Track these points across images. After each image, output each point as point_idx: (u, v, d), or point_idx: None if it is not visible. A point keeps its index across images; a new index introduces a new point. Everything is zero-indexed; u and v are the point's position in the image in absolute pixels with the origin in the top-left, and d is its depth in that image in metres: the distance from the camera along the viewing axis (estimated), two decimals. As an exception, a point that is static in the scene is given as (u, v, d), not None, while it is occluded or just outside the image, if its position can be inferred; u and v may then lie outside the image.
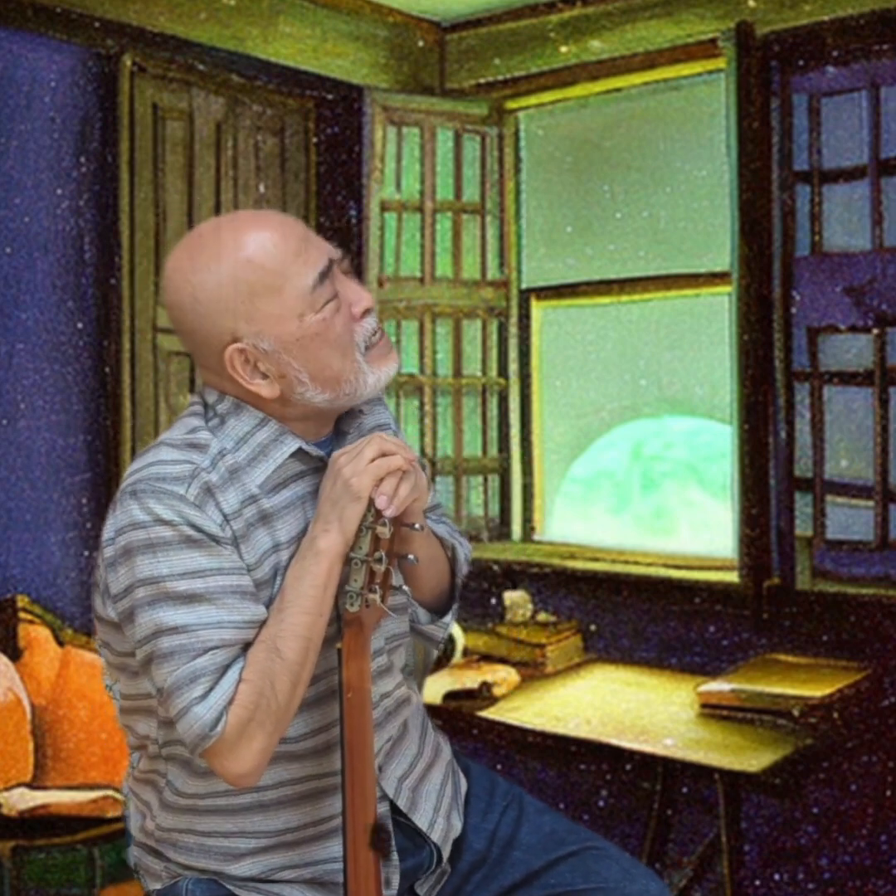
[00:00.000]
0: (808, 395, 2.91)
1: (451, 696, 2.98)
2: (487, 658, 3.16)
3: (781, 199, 2.93)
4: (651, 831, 2.84)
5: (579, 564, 3.26)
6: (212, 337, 1.51)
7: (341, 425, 1.64)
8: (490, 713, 2.91)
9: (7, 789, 2.68)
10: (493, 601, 3.27)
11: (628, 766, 2.86)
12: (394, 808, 1.61)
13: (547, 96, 3.39)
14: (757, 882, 2.79)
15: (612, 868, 1.68)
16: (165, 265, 1.56)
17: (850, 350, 2.86)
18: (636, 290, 3.27)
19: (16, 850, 2.61)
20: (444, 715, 2.96)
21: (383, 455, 1.50)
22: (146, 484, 1.47)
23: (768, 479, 2.95)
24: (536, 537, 3.47)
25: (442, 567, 1.70)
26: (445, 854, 1.67)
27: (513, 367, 3.49)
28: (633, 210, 3.23)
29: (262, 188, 3.30)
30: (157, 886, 1.61)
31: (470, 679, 3.04)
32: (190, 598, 1.45)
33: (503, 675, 3.05)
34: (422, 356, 3.48)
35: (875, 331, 2.81)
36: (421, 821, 1.64)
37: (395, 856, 1.58)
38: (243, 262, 1.50)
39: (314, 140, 3.39)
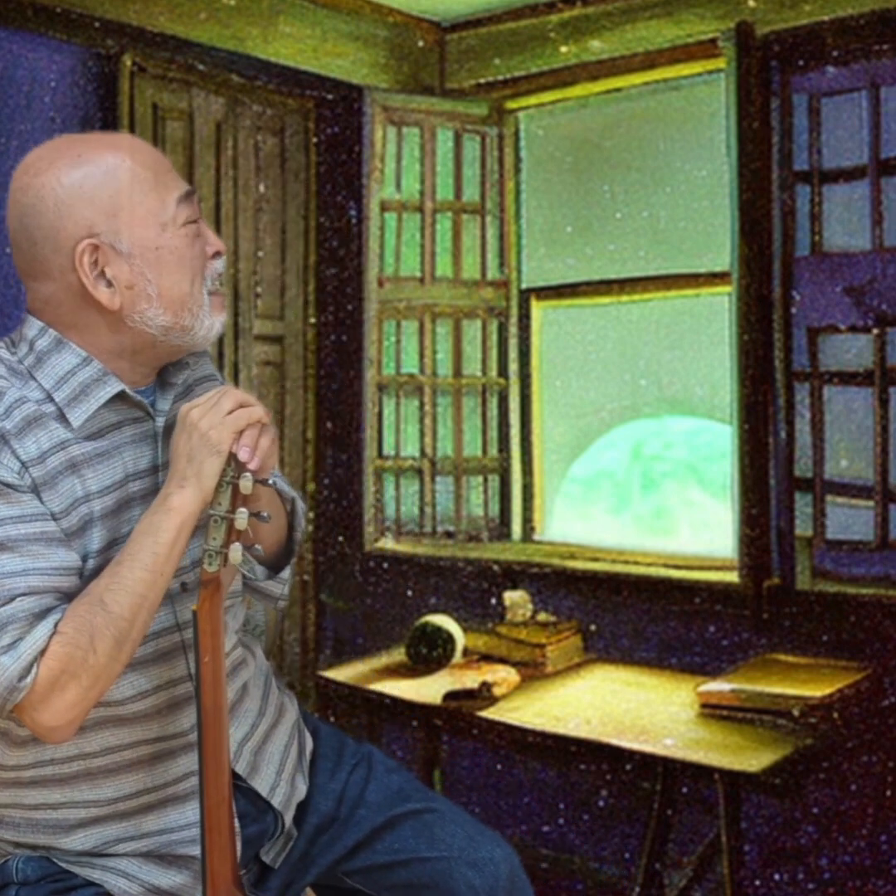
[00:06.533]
0: (808, 395, 2.91)
1: (451, 696, 2.98)
2: (487, 658, 3.15)
3: (781, 199, 2.93)
4: (651, 831, 2.84)
5: (579, 564, 3.26)
6: (64, 231, 1.45)
7: (166, 376, 1.57)
8: (490, 713, 2.91)
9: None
10: (493, 601, 3.27)
11: (628, 766, 2.86)
12: (234, 773, 1.55)
13: (547, 96, 3.39)
14: (757, 882, 2.78)
15: (458, 834, 1.65)
16: (18, 167, 1.50)
17: (850, 350, 2.85)
18: (636, 290, 3.26)
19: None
20: (444, 715, 2.97)
21: (242, 406, 1.45)
22: None
23: (768, 479, 2.95)
24: (536, 537, 3.47)
25: (282, 522, 1.65)
26: (287, 819, 1.62)
27: (513, 367, 3.49)
28: (633, 210, 3.23)
29: (262, 188, 3.30)
30: None
31: (470, 679, 3.04)
32: None
33: (503, 675, 3.05)
34: (422, 356, 3.48)
35: (875, 331, 2.81)
36: (262, 786, 1.59)
37: (235, 823, 1.52)
38: (116, 160, 1.47)
39: (314, 140, 3.39)
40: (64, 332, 1.50)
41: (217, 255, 1.54)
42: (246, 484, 1.43)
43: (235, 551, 1.43)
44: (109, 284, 1.46)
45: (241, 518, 1.43)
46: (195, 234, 1.51)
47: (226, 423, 1.43)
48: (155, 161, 1.51)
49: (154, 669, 1.52)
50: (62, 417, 1.47)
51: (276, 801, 1.61)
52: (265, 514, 1.47)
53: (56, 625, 1.40)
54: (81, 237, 1.45)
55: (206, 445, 1.43)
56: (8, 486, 1.41)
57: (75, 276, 1.46)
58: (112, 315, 1.48)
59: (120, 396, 1.50)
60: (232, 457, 1.44)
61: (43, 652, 1.38)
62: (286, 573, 1.67)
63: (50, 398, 1.47)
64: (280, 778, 1.62)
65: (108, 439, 1.50)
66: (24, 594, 1.39)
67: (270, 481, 1.49)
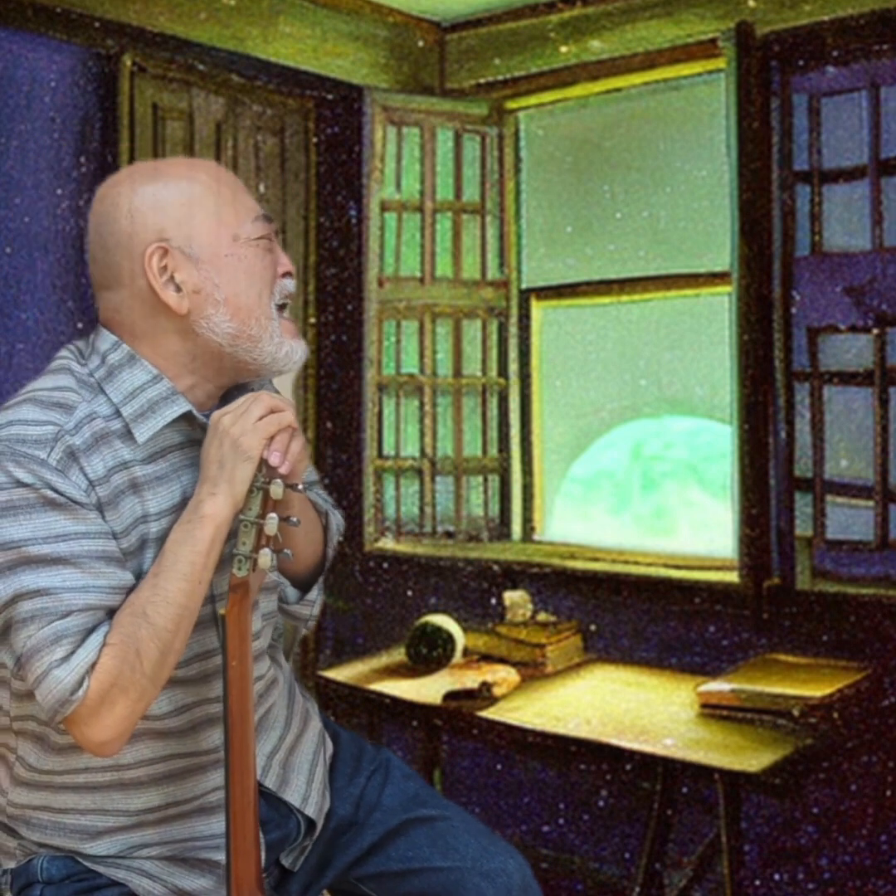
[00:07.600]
0: (808, 395, 2.91)
1: (451, 696, 2.98)
2: (487, 658, 3.15)
3: (781, 199, 2.93)
4: (651, 831, 2.84)
5: (579, 564, 3.26)
6: (135, 237, 1.48)
7: (230, 400, 1.57)
8: (490, 713, 2.91)
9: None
10: (493, 601, 3.27)
11: (628, 766, 2.86)
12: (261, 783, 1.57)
13: (547, 96, 3.39)
14: (757, 882, 2.78)
15: (471, 844, 1.66)
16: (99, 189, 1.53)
17: (850, 350, 2.85)
18: (636, 290, 3.26)
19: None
20: (444, 715, 2.97)
21: (272, 412, 1.46)
22: (4, 446, 1.42)
23: (768, 479, 2.95)
24: (536, 537, 3.47)
25: (317, 536, 1.66)
26: (319, 827, 1.63)
27: (513, 367, 3.49)
28: (633, 210, 3.23)
29: (262, 188, 3.30)
30: (11, 865, 1.57)
31: (470, 679, 3.04)
32: (53, 562, 1.40)
33: (503, 675, 3.05)
34: (422, 356, 3.48)
35: (875, 331, 2.81)
36: (293, 797, 1.60)
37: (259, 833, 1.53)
38: (193, 176, 1.52)
39: (314, 140, 3.39)
40: (135, 344, 1.52)
41: (287, 275, 1.55)
42: (276, 489, 1.44)
43: (264, 556, 1.44)
44: (178, 289, 1.48)
45: (271, 523, 1.44)
46: (266, 249, 1.53)
47: (257, 428, 1.44)
48: (234, 183, 1.55)
49: (191, 686, 1.53)
50: (127, 435, 1.48)
51: (310, 812, 1.62)
52: (294, 519, 1.48)
53: (105, 637, 1.41)
54: (152, 242, 1.48)
55: (237, 451, 1.44)
56: (76, 502, 1.42)
57: (145, 280, 1.48)
58: (180, 320, 1.49)
59: (185, 417, 1.51)
60: (263, 462, 1.45)
61: (93, 665, 1.40)
62: (314, 594, 1.68)
63: (118, 413, 1.48)
64: (311, 788, 1.63)
65: (168, 461, 1.51)
66: (80, 610, 1.41)
67: (300, 487, 1.49)
